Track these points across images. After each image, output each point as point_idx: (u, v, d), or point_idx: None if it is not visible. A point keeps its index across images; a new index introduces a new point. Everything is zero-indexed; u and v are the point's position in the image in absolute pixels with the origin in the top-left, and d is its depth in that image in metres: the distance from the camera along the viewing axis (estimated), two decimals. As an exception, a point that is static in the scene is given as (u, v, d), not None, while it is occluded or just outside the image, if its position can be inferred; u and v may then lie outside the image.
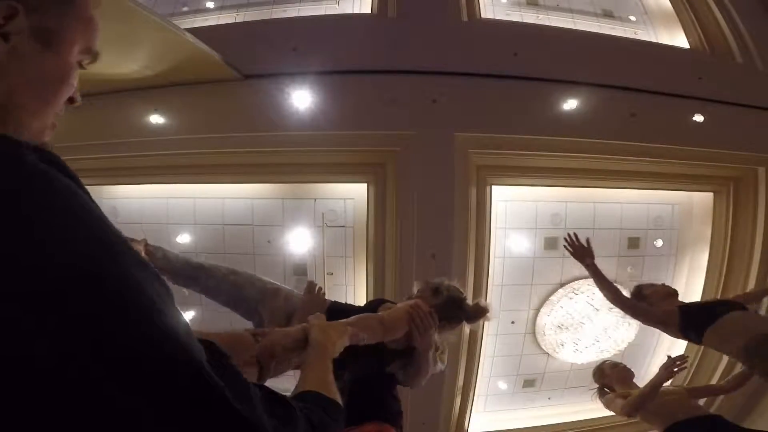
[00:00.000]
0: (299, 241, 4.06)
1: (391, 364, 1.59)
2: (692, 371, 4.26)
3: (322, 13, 4.16)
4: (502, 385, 4.54)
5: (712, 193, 4.27)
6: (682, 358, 2.39)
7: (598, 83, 3.75)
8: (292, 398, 0.70)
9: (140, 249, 1.41)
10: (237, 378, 0.52)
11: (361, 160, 3.85)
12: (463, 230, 3.76)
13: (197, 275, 1.98)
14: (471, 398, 4.33)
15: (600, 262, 2.53)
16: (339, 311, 1.56)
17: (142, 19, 2.66)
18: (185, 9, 4.42)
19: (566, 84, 3.71)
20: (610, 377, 2.65)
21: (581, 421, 4.64)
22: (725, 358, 4.02)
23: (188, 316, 4.32)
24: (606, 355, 4.26)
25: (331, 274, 4.13)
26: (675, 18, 4.54)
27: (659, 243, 4.33)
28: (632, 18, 4.55)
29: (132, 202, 4.14)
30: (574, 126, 3.71)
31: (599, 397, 2.68)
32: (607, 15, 4.51)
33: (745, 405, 4.24)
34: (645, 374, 3.75)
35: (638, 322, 4.27)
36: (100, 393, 0.40)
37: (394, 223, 3.74)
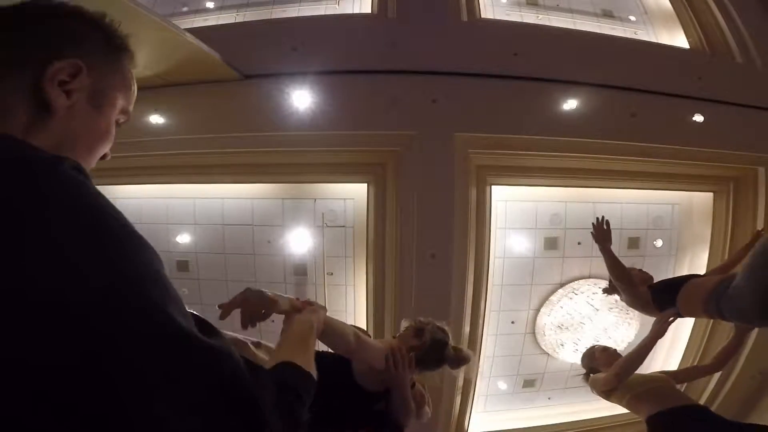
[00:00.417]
0: (299, 241, 4.06)
1: (377, 403, 1.56)
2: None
3: (322, 13, 4.16)
4: (502, 385, 4.55)
5: (712, 193, 4.27)
6: (674, 312, 2.28)
7: (598, 83, 3.75)
8: (269, 369, 0.73)
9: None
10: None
11: (361, 160, 3.85)
12: (463, 230, 3.76)
13: None
14: (471, 398, 4.33)
15: (600, 262, 2.58)
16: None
17: (142, 19, 2.66)
18: (185, 9, 4.42)
19: (566, 84, 3.71)
20: (599, 361, 2.57)
21: (581, 421, 4.64)
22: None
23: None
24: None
25: (331, 274, 4.13)
26: (675, 18, 4.54)
27: (659, 243, 4.34)
28: (632, 18, 4.56)
29: (132, 202, 4.14)
30: (574, 126, 3.71)
31: (585, 382, 2.62)
32: (607, 15, 4.51)
33: (743, 406, 4.24)
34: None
35: (638, 322, 4.32)
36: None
37: (394, 223, 3.74)
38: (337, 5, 4.23)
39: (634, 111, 3.77)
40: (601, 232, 2.52)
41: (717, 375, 4.22)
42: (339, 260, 4.13)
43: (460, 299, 3.86)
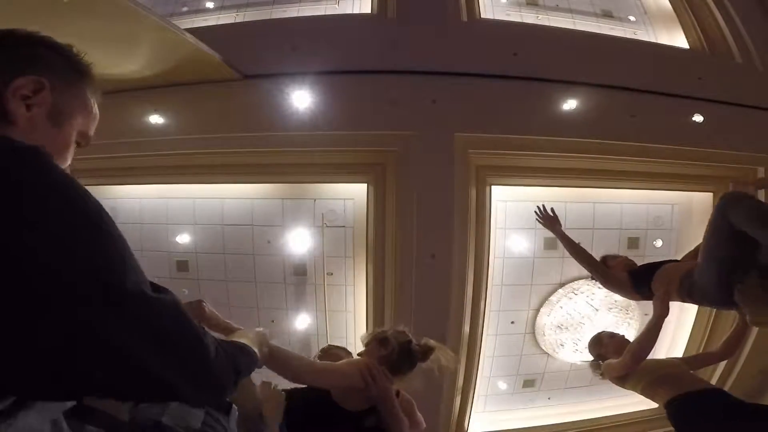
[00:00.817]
0: (299, 242, 4.06)
1: (366, 420, 1.56)
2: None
3: (322, 13, 4.16)
4: (502, 385, 4.54)
5: (711, 193, 4.27)
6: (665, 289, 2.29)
7: (597, 83, 3.75)
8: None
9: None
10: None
11: (361, 160, 3.85)
12: (462, 230, 3.76)
13: None
14: (471, 398, 4.33)
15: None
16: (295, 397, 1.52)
17: (142, 19, 2.66)
18: (185, 9, 4.42)
19: (566, 84, 3.71)
20: (608, 347, 2.56)
21: (581, 421, 4.64)
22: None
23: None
24: (606, 355, 4.26)
25: (331, 274, 4.13)
26: (674, 18, 4.55)
27: (659, 243, 4.33)
28: (632, 18, 4.56)
29: (132, 202, 4.14)
30: (574, 126, 3.71)
31: (594, 370, 2.62)
32: (607, 15, 4.51)
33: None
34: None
35: (638, 322, 4.32)
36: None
37: (393, 223, 3.74)
38: (336, 5, 4.23)
39: (633, 111, 3.78)
40: (548, 218, 2.72)
41: (717, 375, 4.22)
42: (339, 260, 4.13)
43: (459, 299, 3.86)
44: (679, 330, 4.52)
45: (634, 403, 4.60)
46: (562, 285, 4.33)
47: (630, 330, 4.35)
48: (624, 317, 4.25)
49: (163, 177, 4.05)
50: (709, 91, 3.93)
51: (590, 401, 4.69)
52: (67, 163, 0.77)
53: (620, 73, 3.84)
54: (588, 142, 3.79)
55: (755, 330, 4.19)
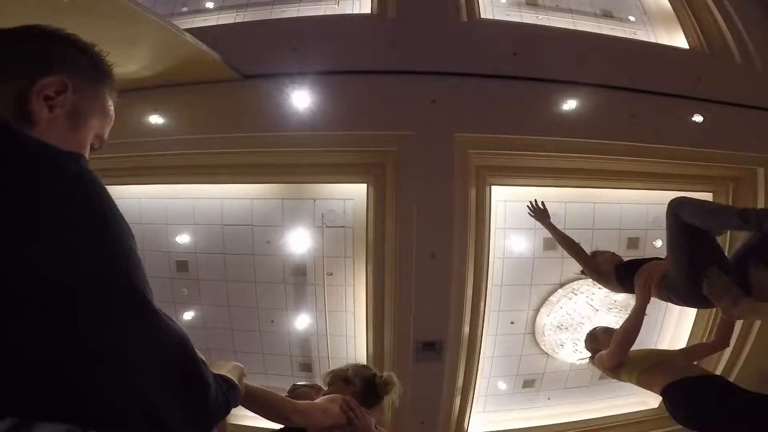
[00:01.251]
0: (299, 242, 4.06)
1: None
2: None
3: (322, 13, 4.16)
4: (502, 386, 4.55)
5: (711, 193, 4.27)
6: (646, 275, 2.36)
7: (597, 83, 3.75)
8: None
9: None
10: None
11: (361, 160, 3.85)
12: (462, 230, 3.76)
13: None
14: (470, 398, 4.33)
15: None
16: None
17: (141, 19, 2.66)
18: (185, 9, 4.42)
19: (566, 84, 3.71)
20: (602, 342, 2.56)
21: (581, 421, 4.64)
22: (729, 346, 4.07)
23: (188, 315, 4.33)
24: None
25: (331, 274, 4.13)
26: (674, 18, 4.55)
27: (658, 243, 4.33)
28: (631, 18, 4.56)
29: (132, 202, 4.14)
30: (574, 126, 3.71)
31: (590, 363, 2.64)
32: (607, 15, 4.51)
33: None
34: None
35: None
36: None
37: (393, 223, 3.74)
38: (336, 5, 4.23)
39: (633, 111, 3.78)
40: (539, 211, 2.94)
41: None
42: (339, 260, 4.13)
43: (459, 299, 3.86)
44: (679, 330, 4.53)
45: (634, 403, 4.60)
46: (561, 285, 4.33)
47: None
48: (624, 317, 4.25)
49: (163, 177, 4.05)
50: (708, 91, 3.93)
51: (590, 401, 4.70)
52: None
53: (620, 73, 3.84)
54: (588, 142, 3.79)
55: (755, 330, 4.20)
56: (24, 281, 0.48)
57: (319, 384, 2.06)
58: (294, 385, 2.31)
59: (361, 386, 1.68)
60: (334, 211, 4.05)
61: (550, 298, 4.34)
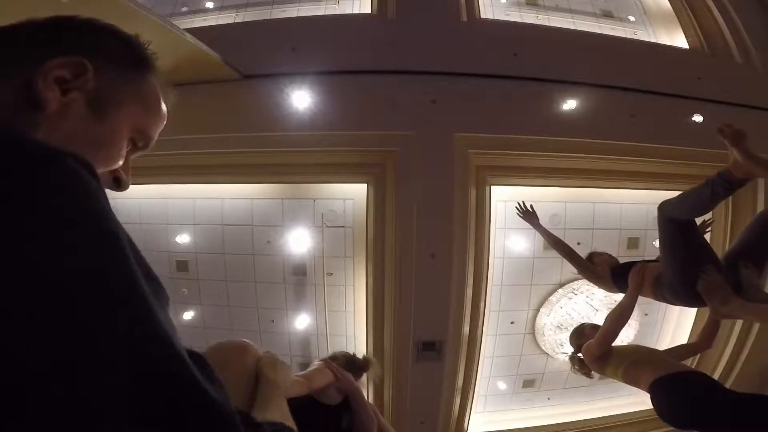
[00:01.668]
0: (299, 242, 4.06)
1: (343, 419, 1.78)
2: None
3: (322, 13, 4.16)
4: (502, 386, 4.55)
5: (711, 194, 4.27)
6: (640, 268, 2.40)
7: (597, 83, 3.75)
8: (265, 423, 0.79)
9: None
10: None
11: (361, 160, 3.85)
12: (462, 230, 3.76)
13: None
14: (470, 398, 4.34)
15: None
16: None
17: (142, 19, 2.66)
18: (185, 9, 4.42)
19: (566, 84, 3.71)
20: (589, 338, 2.52)
21: (581, 421, 4.64)
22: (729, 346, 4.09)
23: (188, 315, 4.33)
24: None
25: (331, 274, 4.13)
26: (674, 18, 4.55)
27: (658, 243, 4.33)
28: (631, 18, 4.56)
29: (132, 202, 4.14)
30: (574, 126, 3.71)
31: (572, 364, 2.60)
32: (607, 15, 4.51)
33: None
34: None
35: (637, 322, 4.32)
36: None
37: (393, 223, 3.74)
38: (336, 5, 4.23)
39: (633, 111, 3.78)
40: (527, 213, 3.00)
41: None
42: (338, 260, 4.13)
43: (459, 299, 3.86)
44: (679, 331, 4.53)
45: (633, 403, 4.60)
46: (561, 285, 4.33)
47: (629, 330, 4.36)
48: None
49: (163, 177, 4.04)
50: (708, 91, 3.93)
51: (590, 401, 4.70)
52: (114, 163, 0.65)
53: (620, 73, 3.84)
54: (588, 142, 3.79)
55: (755, 331, 4.20)
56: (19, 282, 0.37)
57: None
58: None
59: (344, 361, 1.98)
60: (334, 211, 4.05)
61: (550, 298, 4.34)
